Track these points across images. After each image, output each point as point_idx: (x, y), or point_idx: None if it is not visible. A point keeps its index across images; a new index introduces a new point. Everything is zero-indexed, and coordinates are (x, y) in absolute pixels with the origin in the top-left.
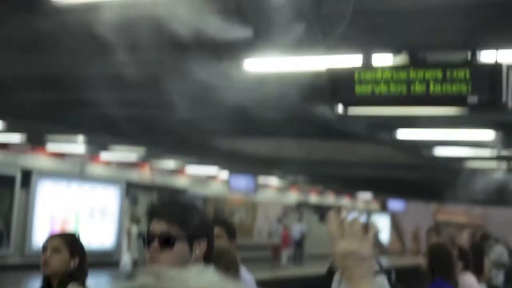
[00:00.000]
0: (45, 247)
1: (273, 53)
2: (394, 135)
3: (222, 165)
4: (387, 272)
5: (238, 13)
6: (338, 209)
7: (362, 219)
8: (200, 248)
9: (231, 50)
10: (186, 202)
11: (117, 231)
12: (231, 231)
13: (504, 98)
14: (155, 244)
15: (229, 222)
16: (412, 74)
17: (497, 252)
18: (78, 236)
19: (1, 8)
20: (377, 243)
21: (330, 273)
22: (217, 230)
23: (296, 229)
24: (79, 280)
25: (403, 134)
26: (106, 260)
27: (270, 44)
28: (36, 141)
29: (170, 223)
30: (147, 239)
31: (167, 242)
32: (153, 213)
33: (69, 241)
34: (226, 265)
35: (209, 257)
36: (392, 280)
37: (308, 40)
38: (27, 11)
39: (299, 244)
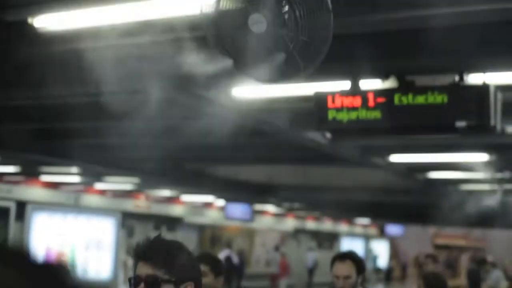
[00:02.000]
0: None
1: (255, 83)
2: (387, 159)
3: (218, 193)
4: None
5: (218, 46)
6: None
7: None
8: None
9: (216, 81)
10: (173, 242)
11: (113, 263)
12: (217, 268)
13: (492, 122)
14: None
15: (215, 257)
16: (402, 99)
17: (494, 277)
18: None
19: None
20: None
21: None
22: (202, 267)
23: (310, 257)
24: None
25: (396, 158)
26: None
27: (251, 75)
28: (30, 173)
29: (156, 266)
30: (133, 282)
31: (153, 286)
32: (138, 256)
33: None
34: None
35: None
36: None
37: (290, 70)
38: (14, 41)
39: (311, 272)
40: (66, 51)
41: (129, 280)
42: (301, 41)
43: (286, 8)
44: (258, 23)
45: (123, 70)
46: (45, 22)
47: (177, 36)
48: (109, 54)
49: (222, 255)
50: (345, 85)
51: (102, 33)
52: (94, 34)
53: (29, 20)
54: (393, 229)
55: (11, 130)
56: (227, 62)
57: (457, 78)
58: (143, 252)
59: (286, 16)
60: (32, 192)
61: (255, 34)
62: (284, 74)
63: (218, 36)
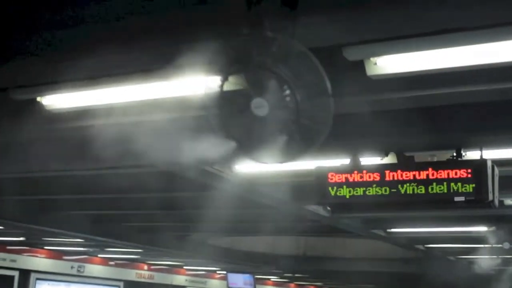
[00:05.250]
0: None
1: (257, 163)
2: (388, 231)
3: (219, 264)
4: None
5: (220, 128)
6: None
7: None
8: None
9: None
10: None
11: None
12: None
13: (490, 196)
14: None
15: None
16: (400, 175)
17: None
18: None
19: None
20: None
21: None
22: None
23: None
24: None
25: (397, 230)
26: None
27: (253, 157)
28: (34, 242)
29: None
30: None
31: None
32: None
33: None
34: None
35: None
36: None
37: (291, 151)
38: (23, 118)
39: None
40: (71, 128)
41: None
42: (302, 123)
43: (288, 92)
44: (260, 106)
45: (128, 146)
46: (53, 100)
47: (181, 114)
48: (113, 131)
49: None
50: (345, 160)
51: (107, 112)
52: (98, 112)
53: (38, 98)
54: None
55: (15, 201)
56: (231, 144)
57: (455, 153)
58: None
59: (288, 99)
60: (36, 261)
61: (257, 117)
62: (286, 155)
63: (221, 119)
